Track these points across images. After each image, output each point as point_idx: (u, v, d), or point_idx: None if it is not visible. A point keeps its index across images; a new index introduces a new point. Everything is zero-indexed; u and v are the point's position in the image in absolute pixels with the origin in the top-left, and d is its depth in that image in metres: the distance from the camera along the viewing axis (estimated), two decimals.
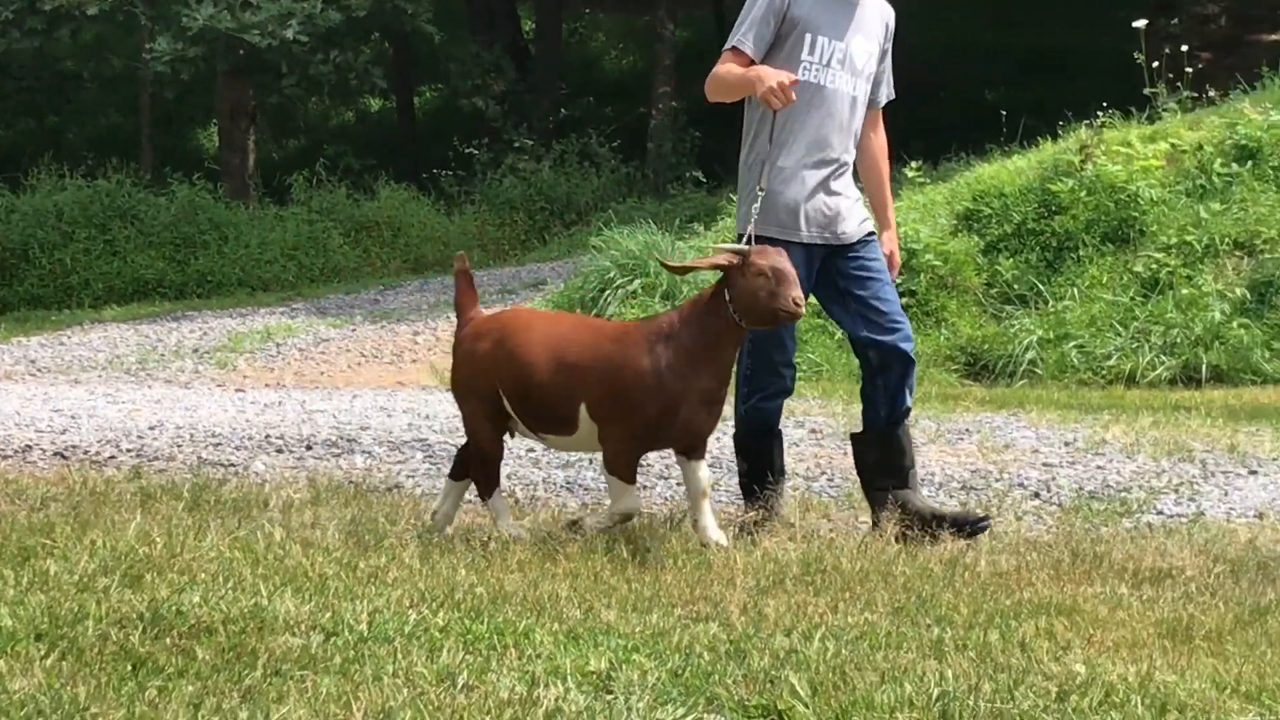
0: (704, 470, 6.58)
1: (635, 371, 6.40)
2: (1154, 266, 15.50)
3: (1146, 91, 17.78)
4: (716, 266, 6.46)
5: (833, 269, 7.10)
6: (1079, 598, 5.76)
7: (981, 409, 12.12)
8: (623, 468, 6.52)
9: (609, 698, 4.30)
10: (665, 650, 4.76)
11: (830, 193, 7.04)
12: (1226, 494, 8.50)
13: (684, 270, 6.72)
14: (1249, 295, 15.13)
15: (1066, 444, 10.19)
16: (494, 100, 29.14)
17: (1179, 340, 14.60)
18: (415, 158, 29.94)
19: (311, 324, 18.07)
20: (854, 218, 7.11)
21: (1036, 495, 8.47)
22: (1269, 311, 14.92)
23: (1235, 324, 14.67)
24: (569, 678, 4.44)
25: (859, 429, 7.31)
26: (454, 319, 7.02)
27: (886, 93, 7.36)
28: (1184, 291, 15.00)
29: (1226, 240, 15.56)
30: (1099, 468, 9.30)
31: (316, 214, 24.42)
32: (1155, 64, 17.72)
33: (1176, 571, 6.37)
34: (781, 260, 6.41)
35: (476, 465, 6.88)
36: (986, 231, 16.57)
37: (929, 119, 25.76)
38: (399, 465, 9.56)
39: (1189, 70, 17.57)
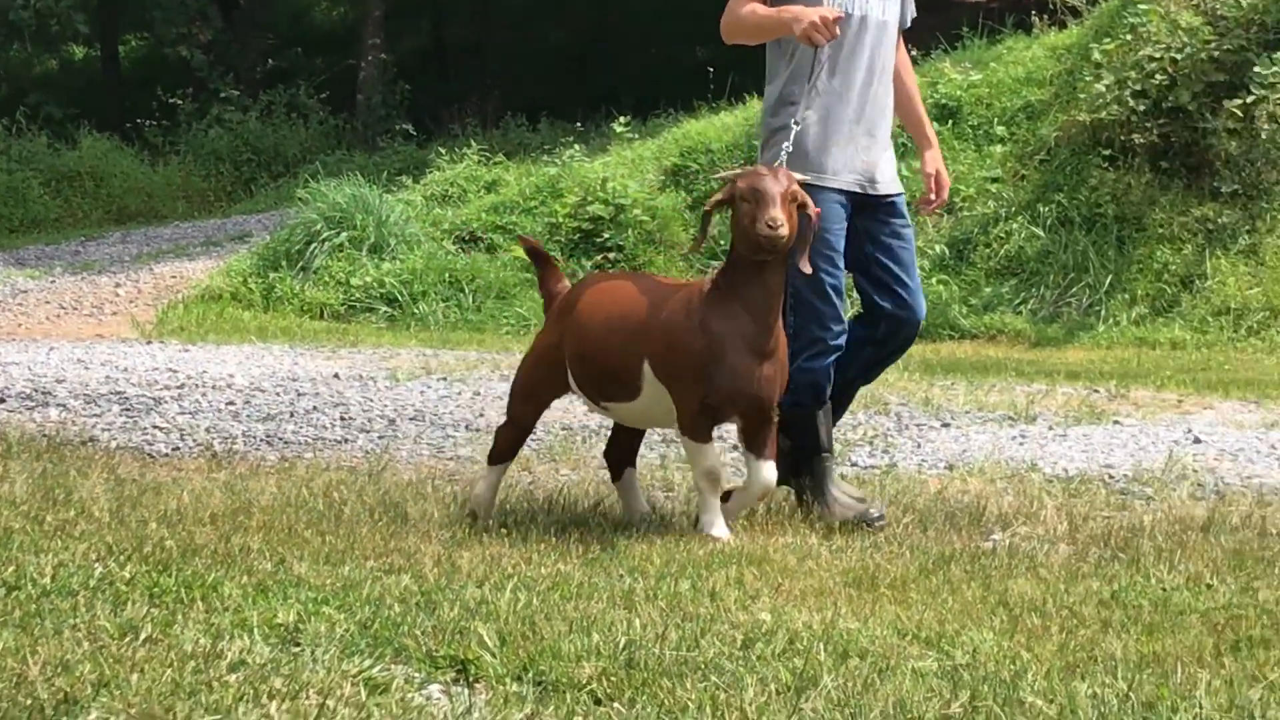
0: (767, 470, 6.06)
1: (680, 322, 5.97)
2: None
3: None
4: (718, 204, 6.01)
5: (862, 230, 6.55)
6: (770, 548, 5.83)
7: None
8: (694, 424, 5.99)
9: (295, 650, 4.25)
10: (355, 602, 4.72)
11: (869, 136, 6.47)
12: (919, 446, 8.67)
13: (700, 242, 6.29)
14: (948, 252, 15.45)
15: None
16: (200, 50, 28.68)
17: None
18: (120, 107, 29.33)
19: (9, 275, 17.64)
20: (889, 170, 6.56)
21: (735, 448, 8.55)
22: (966, 268, 15.27)
23: (935, 280, 14.97)
24: (255, 630, 4.38)
25: None
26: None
27: (911, 11, 6.74)
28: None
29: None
30: None
31: (16, 163, 23.85)
32: None
33: (867, 521, 6.47)
34: (763, 180, 5.86)
35: (504, 431, 6.48)
36: (694, 187, 16.71)
37: (638, 75, 25.87)
38: (94, 419, 9.38)
39: None
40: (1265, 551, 6.02)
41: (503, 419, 6.60)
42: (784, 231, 5.77)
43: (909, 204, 6.92)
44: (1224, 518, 6.72)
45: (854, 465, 8.08)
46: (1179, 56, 15.42)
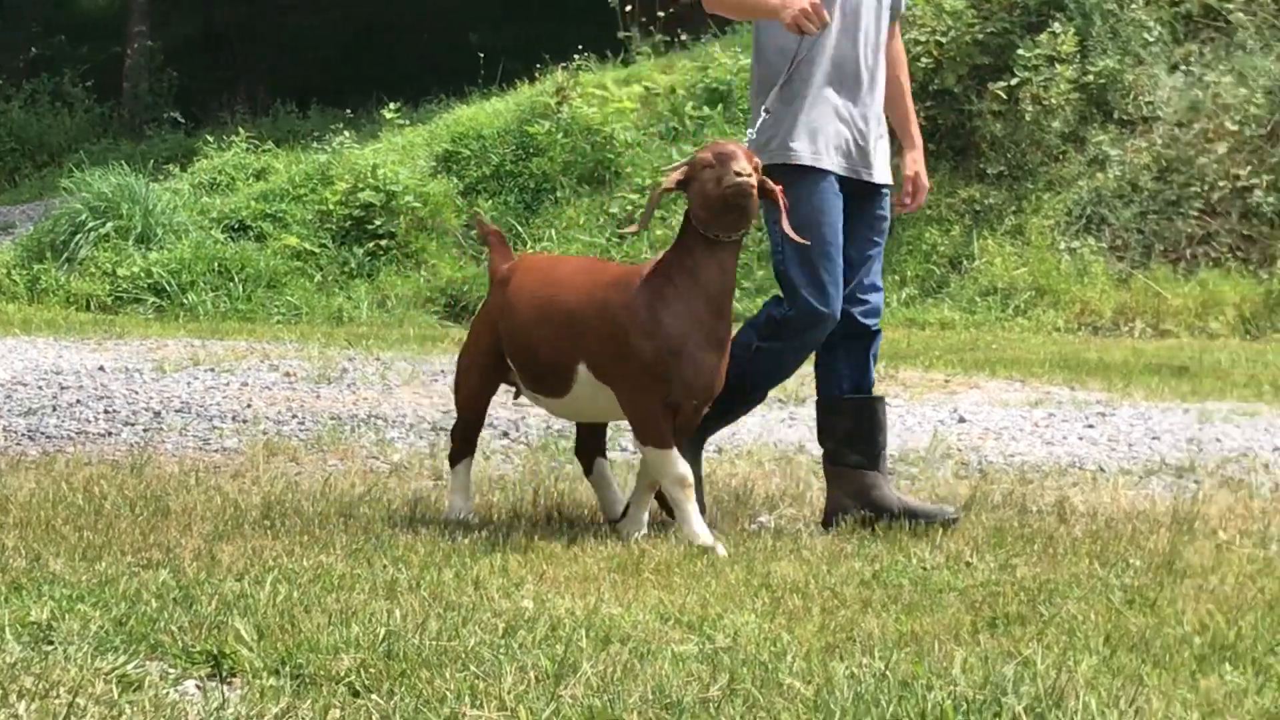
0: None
1: (627, 312, 5.69)
2: (629, 207, 15.77)
3: (621, 35, 18.04)
4: (666, 190, 5.81)
5: (845, 217, 6.21)
6: (537, 535, 5.81)
7: (459, 350, 12.16)
8: (652, 428, 5.73)
9: (48, 648, 4.16)
10: (111, 598, 4.63)
11: (864, 120, 6.17)
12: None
13: (645, 222, 5.99)
14: None
15: None
16: None
17: None
18: None
19: None
20: (882, 159, 6.26)
21: (505, 435, 8.53)
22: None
23: None
24: (7, 629, 4.28)
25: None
26: None
27: None
28: (658, 232, 15.31)
29: None
30: None
31: None
32: (629, 7, 18.00)
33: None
34: (725, 145, 5.71)
35: (455, 429, 6.33)
36: (466, 173, 16.64)
37: (410, 61, 25.70)
38: None
39: (661, 14, 17.89)
40: (1025, 529, 6.11)
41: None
42: (753, 180, 5.57)
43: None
44: (986, 496, 6.82)
45: (623, 450, 8.08)
46: (944, 40, 15.63)
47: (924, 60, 15.64)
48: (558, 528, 6.03)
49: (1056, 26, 15.67)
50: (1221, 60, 16.04)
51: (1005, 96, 15.47)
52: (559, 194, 16.10)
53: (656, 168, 15.98)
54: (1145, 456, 8.07)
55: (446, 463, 6.49)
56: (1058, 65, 15.57)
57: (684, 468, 5.75)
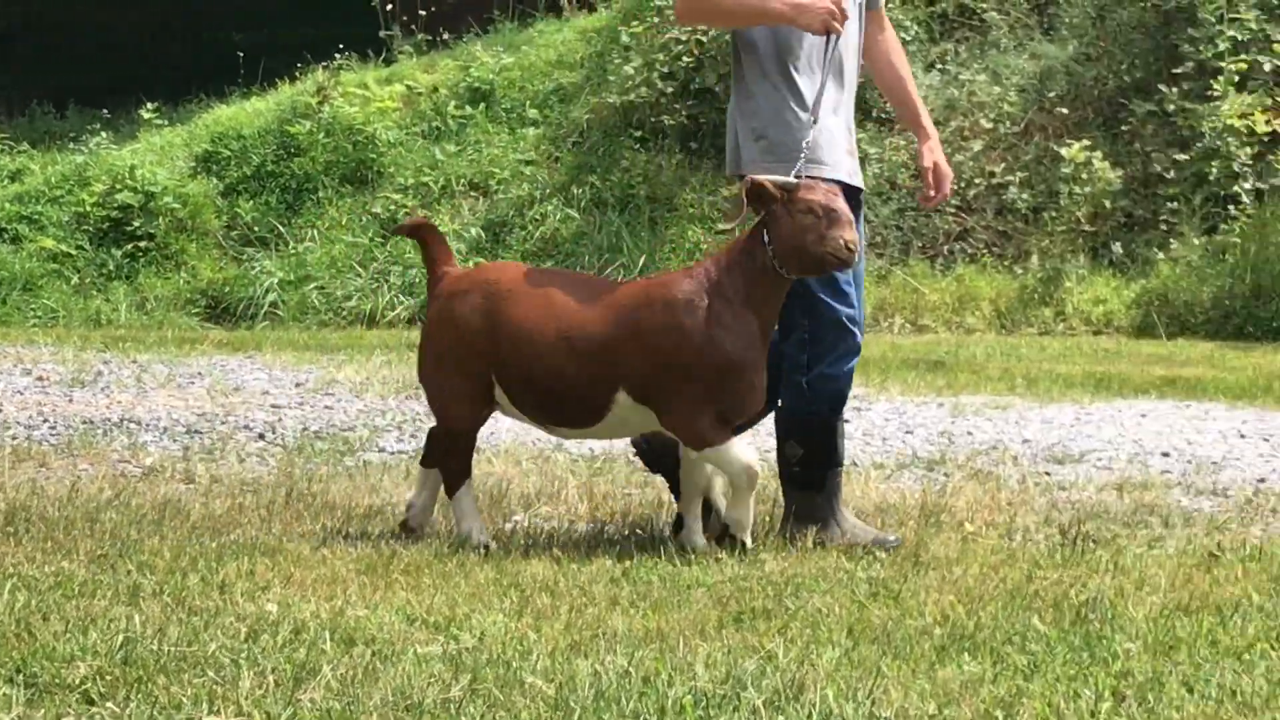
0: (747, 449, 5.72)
1: (681, 333, 5.54)
2: (392, 207, 15.70)
3: (383, 34, 17.95)
4: (759, 199, 5.58)
5: None
6: (285, 538, 5.76)
7: (219, 352, 12.04)
8: (708, 432, 5.57)
9: None
10: None
11: (850, 127, 6.05)
12: None
13: (754, 194, 5.59)
14: (484, 235, 15.50)
15: (298, 385, 10.21)
16: None
17: (417, 280, 14.85)
18: None
19: None
20: (857, 164, 6.12)
21: (262, 437, 8.44)
22: (504, 251, 15.33)
23: (471, 263, 15.00)
24: None
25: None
26: None
27: None
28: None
29: (462, 181, 15.90)
30: (327, 408, 9.36)
31: None
32: (390, 6, 17.91)
33: (389, 508, 6.44)
34: (834, 198, 5.57)
35: (446, 453, 5.89)
36: (226, 174, 16.46)
37: (171, 59, 25.33)
38: None
39: (423, 13, 17.82)
40: (775, 524, 6.16)
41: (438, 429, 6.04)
42: (858, 250, 5.58)
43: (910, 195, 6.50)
44: None
45: (382, 451, 8.04)
46: (705, 39, 15.73)
47: (685, 59, 15.74)
48: (309, 530, 5.98)
49: None
50: (976, 59, 16.32)
51: None
52: (321, 194, 15.98)
53: (419, 167, 15.93)
54: (898, 450, 8.18)
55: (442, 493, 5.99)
56: None
57: (751, 455, 5.65)
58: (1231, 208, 14.42)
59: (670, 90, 15.80)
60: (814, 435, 5.98)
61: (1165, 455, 8.07)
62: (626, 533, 6.06)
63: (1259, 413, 9.63)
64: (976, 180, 15.58)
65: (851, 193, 5.89)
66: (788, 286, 5.65)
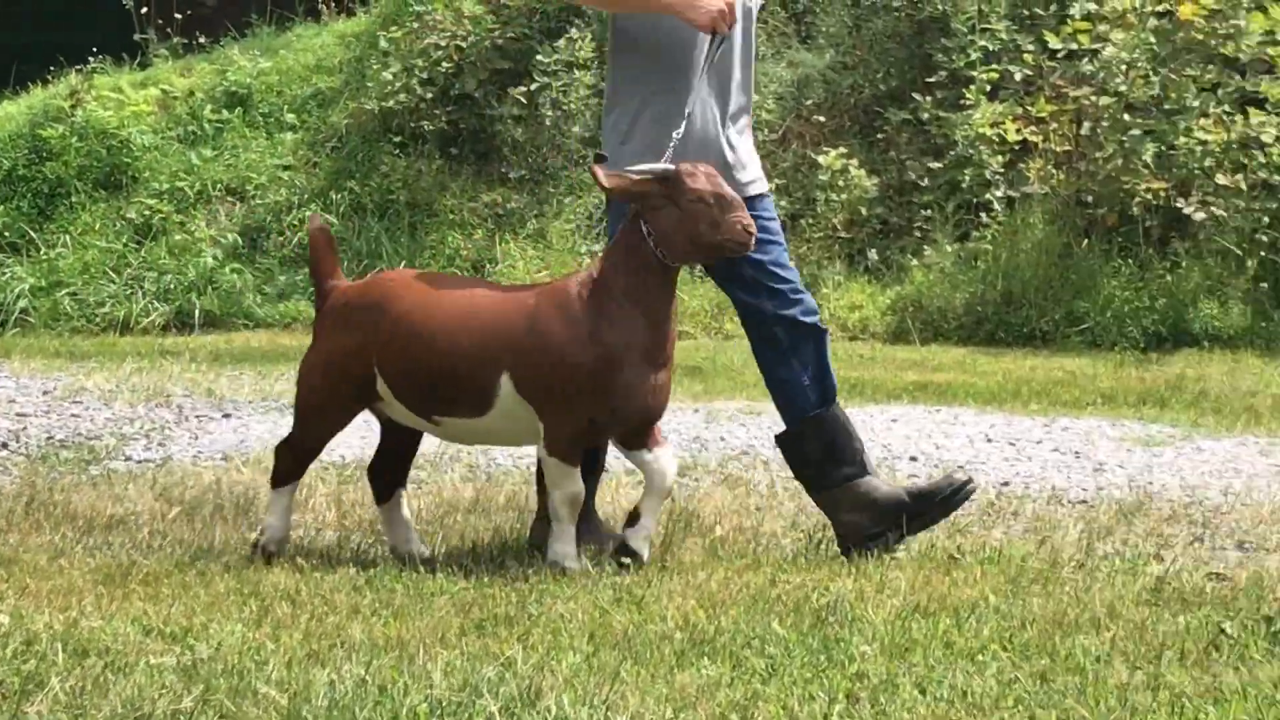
0: (668, 457, 5.64)
1: (565, 330, 5.46)
2: (147, 213, 15.45)
3: (138, 38, 17.67)
4: (636, 192, 5.48)
5: None
6: (22, 548, 5.65)
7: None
8: (566, 445, 5.50)
9: None
10: None
11: (737, 132, 5.98)
12: (197, 438, 8.56)
13: (618, 191, 5.51)
14: (241, 241, 15.31)
15: (45, 393, 10.02)
16: None
17: (173, 286, 14.65)
18: None
19: None
20: (754, 166, 6.06)
21: (5, 446, 8.27)
22: (260, 257, 15.18)
23: (228, 269, 14.85)
24: None
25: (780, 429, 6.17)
26: None
27: None
28: (177, 237, 15.05)
29: (219, 186, 15.71)
30: (74, 415, 9.19)
31: None
32: (145, 10, 17.64)
33: (132, 517, 6.34)
34: (720, 182, 5.51)
35: (292, 446, 5.86)
36: None
37: None
38: None
39: (179, 17, 17.57)
40: (525, 531, 6.15)
41: (284, 434, 6.00)
42: (754, 231, 5.50)
43: None
44: (490, 499, 6.85)
45: (128, 460, 7.91)
46: (464, 44, 15.69)
47: (445, 65, 15.67)
48: (48, 540, 5.87)
49: (574, 33, 15.85)
50: None
51: (525, 101, 15.60)
52: (74, 198, 15.67)
53: (175, 171, 15.69)
54: None
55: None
56: (577, 71, 15.76)
57: (579, 487, 5.56)
58: (983, 215, 14.65)
59: (430, 96, 15.72)
60: (822, 431, 5.95)
61: (913, 459, 8.19)
62: (372, 541, 6.01)
63: (1007, 417, 9.80)
64: None
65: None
66: (675, 276, 5.58)
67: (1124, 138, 14.03)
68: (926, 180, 15.06)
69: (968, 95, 14.95)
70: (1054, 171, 14.51)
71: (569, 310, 5.49)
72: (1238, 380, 11.55)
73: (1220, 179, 13.76)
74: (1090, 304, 13.74)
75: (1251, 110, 13.92)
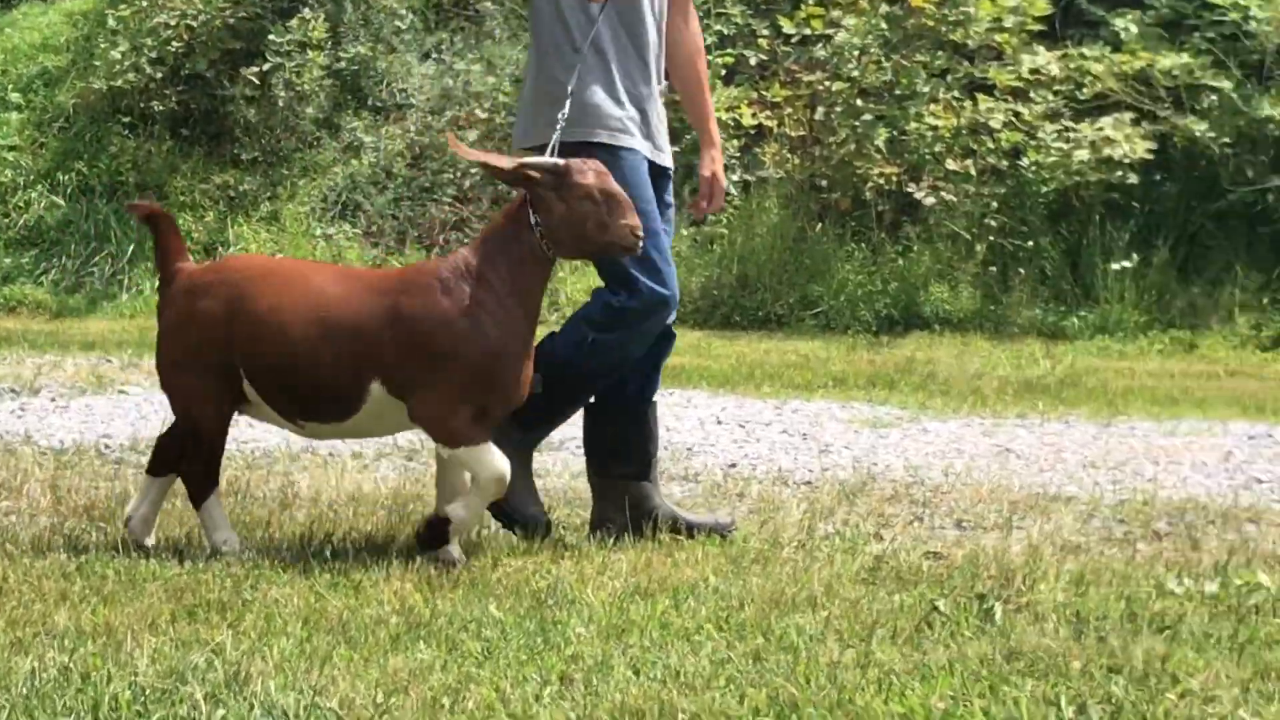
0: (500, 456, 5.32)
1: (441, 320, 5.18)
2: None
3: None
4: (523, 177, 5.25)
5: None
6: None
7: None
8: (464, 429, 5.22)
9: None
10: None
11: (652, 101, 5.80)
12: None
13: (485, 166, 5.37)
14: None
15: None
16: None
17: None
18: None
19: None
20: (667, 142, 5.86)
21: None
22: None
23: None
24: None
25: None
26: None
27: None
28: None
29: None
30: None
31: None
32: None
33: None
34: (610, 181, 5.28)
35: (191, 458, 5.44)
36: None
37: None
38: None
39: None
40: (246, 515, 6.06)
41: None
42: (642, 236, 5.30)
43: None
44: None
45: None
46: (195, 24, 15.45)
47: (175, 44, 15.42)
48: None
49: (307, 12, 15.70)
50: (472, 49, 16.37)
51: (258, 82, 15.41)
52: None
53: None
54: (382, 441, 8.12)
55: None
56: (310, 51, 15.61)
57: (504, 462, 5.26)
58: None
59: (160, 76, 15.46)
60: (566, 391, 5.76)
61: None
62: (86, 527, 5.87)
63: (738, 400, 9.87)
64: (473, 170, 15.64)
65: (656, 170, 5.76)
66: (552, 268, 5.40)
67: (857, 123, 14.22)
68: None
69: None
70: (789, 156, 14.65)
71: (443, 302, 5.23)
72: (965, 363, 11.76)
73: (950, 164, 13.99)
74: (824, 288, 13.90)
75: (980, 96, 14.17)
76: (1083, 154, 13.57)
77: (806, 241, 14.11)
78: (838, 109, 14.38)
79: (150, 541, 5.54)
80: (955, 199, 13.86)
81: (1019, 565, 5.41)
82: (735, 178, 14.76)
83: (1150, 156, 13.61)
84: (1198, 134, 13.55)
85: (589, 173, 5.27)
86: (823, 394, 10.15)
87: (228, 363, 5.34)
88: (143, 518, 5.55)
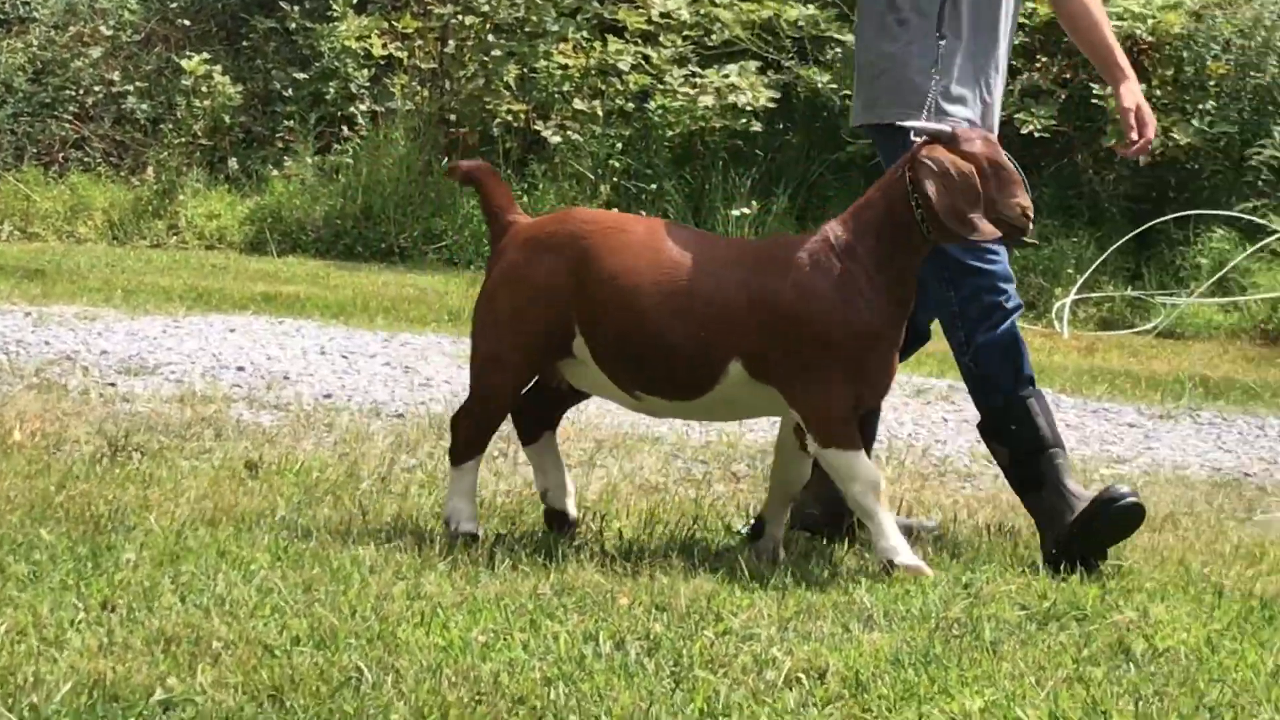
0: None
1: (823, 303, 4.66)
2: None
3: None
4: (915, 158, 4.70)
5: None
6: None
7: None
8: (839, 428, 4.71)
9: None
10: None
11: (997, 71, 5.28)
12: None
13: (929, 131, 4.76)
14: None
15: None
16: None
17: None
18: None
19: None
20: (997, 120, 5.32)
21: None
22: None
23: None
24: None
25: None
26: None
27: None
28: None
29: None
30: None
31: None
32: None
33: None
34: (999, 151, 4.73)
35: (466, 419, 4.98)
36: None
37: None
38: None
39: None
40: None
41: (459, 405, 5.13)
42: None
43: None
44: None
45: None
46: None
47: None
48: None
49: None
50: None
51: None
52: None
53: None
54: None
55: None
56: None
57: (876, 471, 4.79)
58: (346, 129, 14.63)
59: None
60: (1005, 419, 5.18)
61: (240, 369, 8.08)
62: None
63: (348, 331, 9.79)
64: (95, 88, 15.27)
65: None
66: (927, 251, 4.83)
67: (487, 58, 14.19)
68: (291, 91, 14.95)
69: (335, 7, 14.89)
70: (418, 88, 14.58)
71: (819, 280, 4.73)
72: None
73: (578, 104, 14.05)
74: (448, 222, 13.90)
75: (610, 38, 14.25)
76: (708, 100, 13.73)
77: (433, 175, 14.06)
78: (469, 43, 14.34)
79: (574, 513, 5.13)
80: (582, 139, 13.92)
81: (593, 503, 5.47)
82: (364, 108, 14.66)
83: (774, 105, 13.84)
84: (820, 85, 13.80)
85: (975, 139, 4.76)
86: (435, 328, 10.13)
87: (562, 322, 4.86)
88: (557, 484, 5.12)
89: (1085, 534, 5.00)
